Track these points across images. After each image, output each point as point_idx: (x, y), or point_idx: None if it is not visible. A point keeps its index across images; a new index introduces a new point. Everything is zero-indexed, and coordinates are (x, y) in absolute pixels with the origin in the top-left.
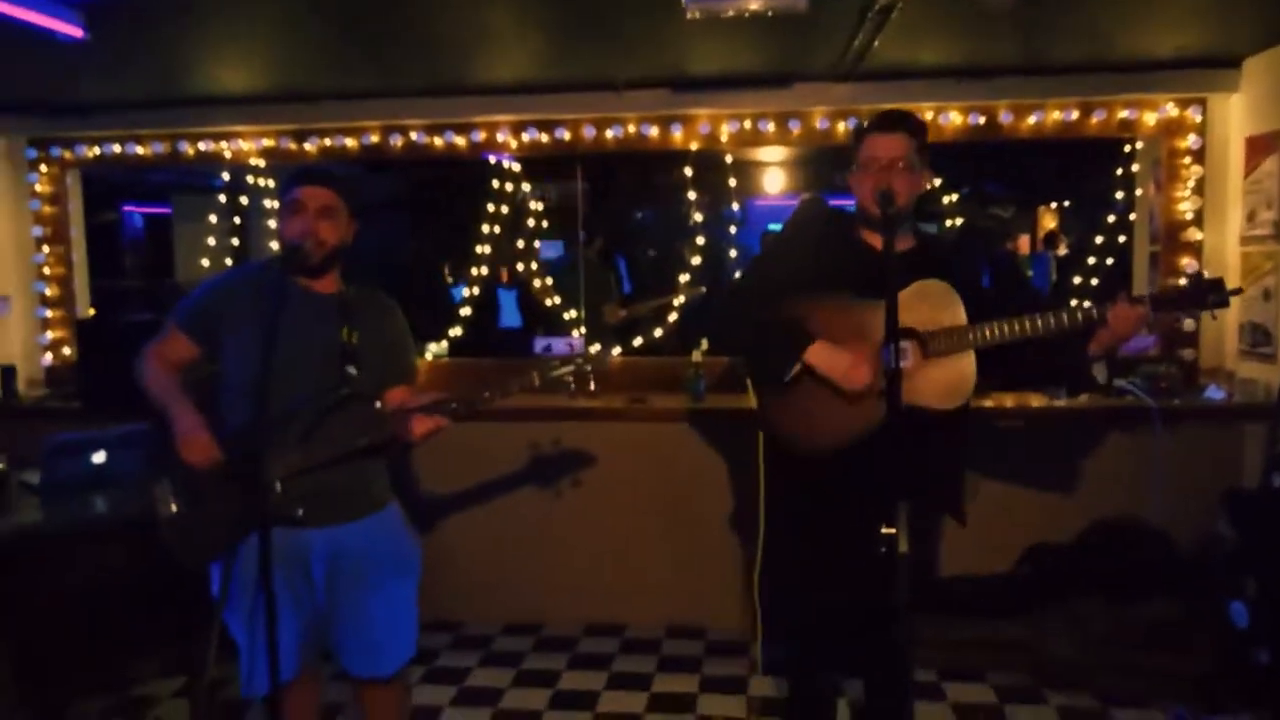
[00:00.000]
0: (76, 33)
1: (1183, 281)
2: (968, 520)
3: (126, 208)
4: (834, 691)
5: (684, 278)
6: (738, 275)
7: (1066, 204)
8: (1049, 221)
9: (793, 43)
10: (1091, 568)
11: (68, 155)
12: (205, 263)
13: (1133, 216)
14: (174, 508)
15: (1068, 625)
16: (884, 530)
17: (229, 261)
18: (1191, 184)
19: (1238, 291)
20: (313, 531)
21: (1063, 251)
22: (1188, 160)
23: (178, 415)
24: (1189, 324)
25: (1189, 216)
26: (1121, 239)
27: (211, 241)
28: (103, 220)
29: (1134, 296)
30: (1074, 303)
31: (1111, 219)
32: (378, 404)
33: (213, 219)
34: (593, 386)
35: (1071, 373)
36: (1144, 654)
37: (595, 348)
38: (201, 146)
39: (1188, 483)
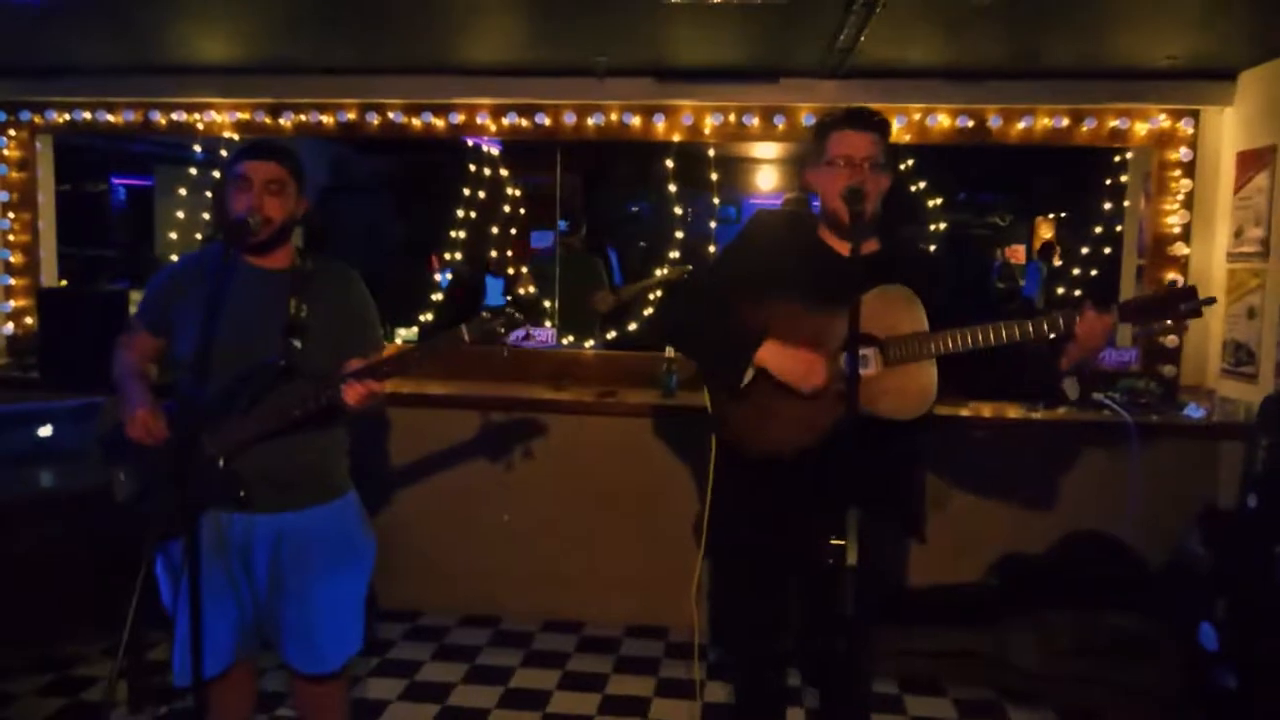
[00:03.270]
0: None
1: (1152, 291)
2: (928, 535)
3: (116, 180)
4: (782, 697)
5: (673, 254)
6: (686, 278)
7: (1064, 215)
8: (1045, 231)
9: (779, 36)
10: (1061, 580)
11: (38, 120)
12: (173, 236)
13: (1119, 229)
14: (128, 489)
15: (1033, 636)
16: (833, 541)
17: (199, 236)
18: (1181, 197)
19: (1211, 301)
20: (258, 516)
21: (1058, 262)
22: (1177, 173)
23: (129, 394)
24: (1172, 340)
25: (1176, 230)
26: (1108, 251)
27: (182, 215)
28: (92, 190)
29: (1100, 305)
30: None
31: (1100, 231)
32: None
33: (183, 192)
34: (528, 337)
35: (1039, 387)
36: (1109, 668)
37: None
38: (175, 117)
39: (1162, 500)
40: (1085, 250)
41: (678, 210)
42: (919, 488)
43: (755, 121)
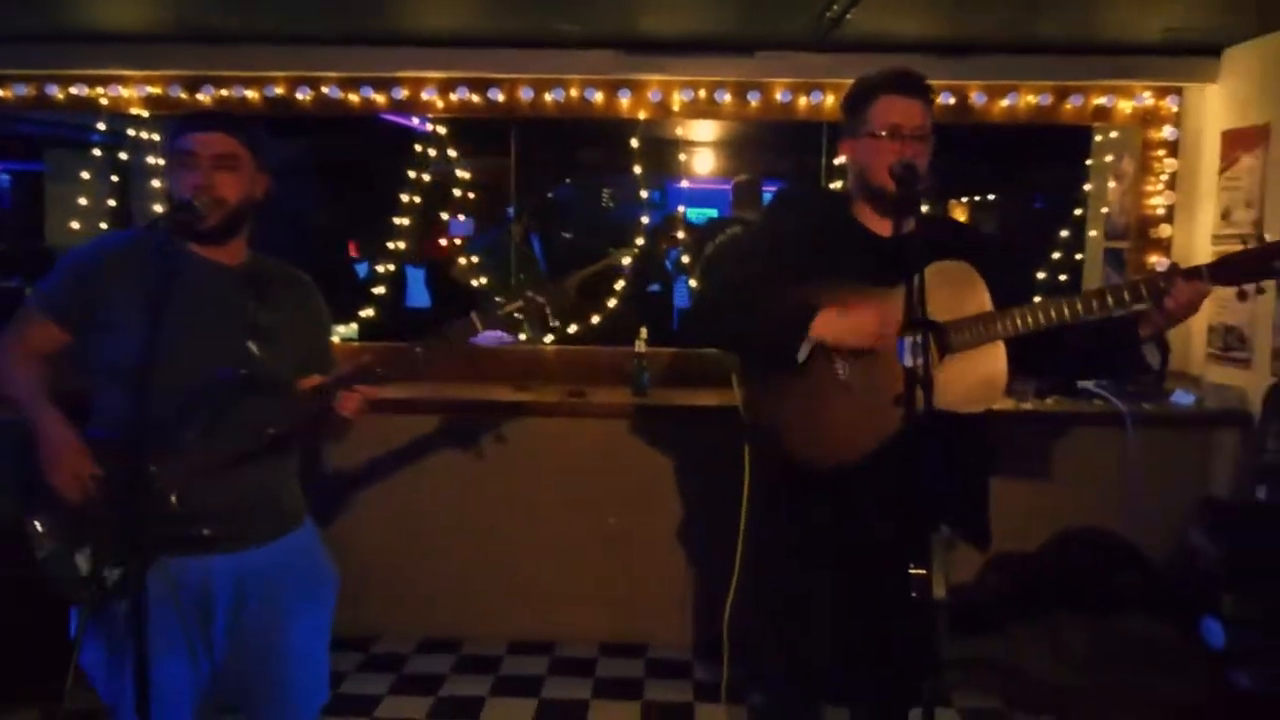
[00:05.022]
0: None
1: (1240, 247)
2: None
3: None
4: None
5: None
6: (704, 273)
7: (979, 199)
8: (958, 215)
9: (761, 3)
10: (1065, 581)
11: None
12: (76, 225)
13: (1079, 210)
14: (49, 542)
15: (1044, 644)
16: (913, 571)
17: (104, 226)
18: (1165, 178)
19: None
20: (215, 558)
21: None
22: (1162, 152)
23: (41, 427)
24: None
25: (1161, 212)
26: (1064, 234)
27: (85, 202)
28: None
29: (1189, 270)
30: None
31: (1044, 212)
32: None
33: (87, 176)
34: (554, 324)
35: (1125, 358)
36: (1127, 676)
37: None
38: (74, 91)
39: (1154, 491)
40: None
41: (607, 195)
42: (986, 490)
43: (728, 98)
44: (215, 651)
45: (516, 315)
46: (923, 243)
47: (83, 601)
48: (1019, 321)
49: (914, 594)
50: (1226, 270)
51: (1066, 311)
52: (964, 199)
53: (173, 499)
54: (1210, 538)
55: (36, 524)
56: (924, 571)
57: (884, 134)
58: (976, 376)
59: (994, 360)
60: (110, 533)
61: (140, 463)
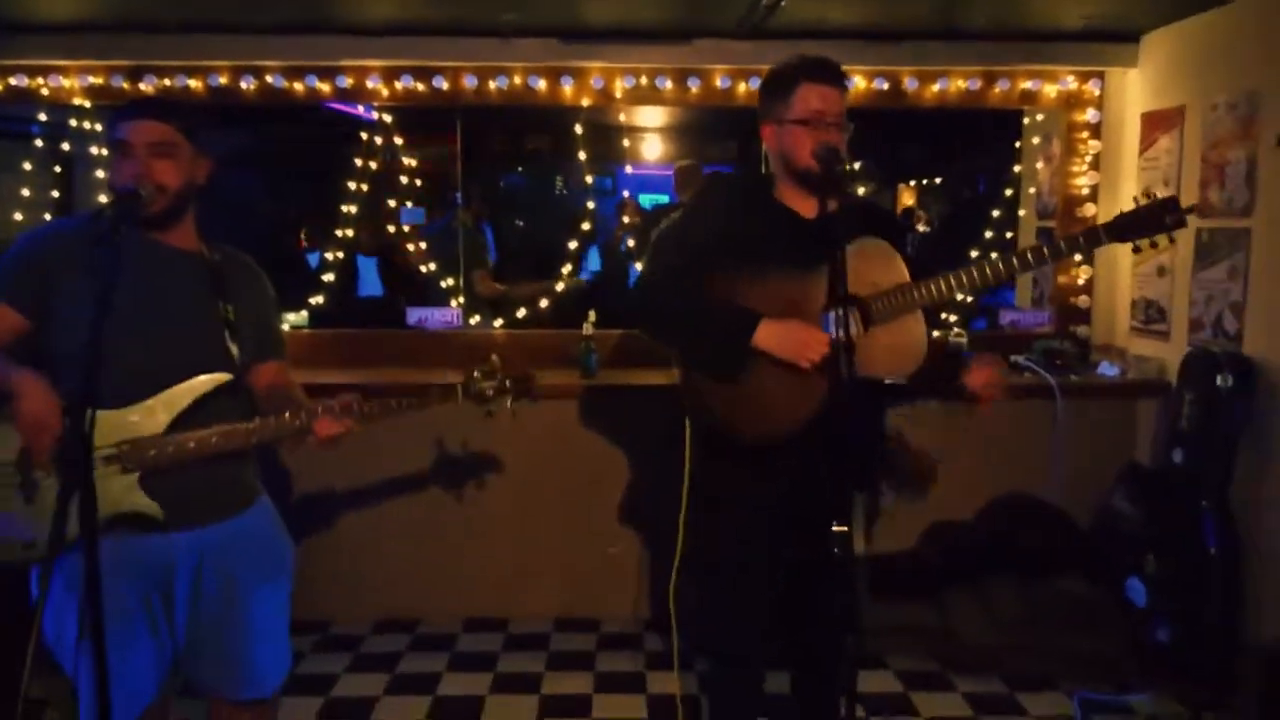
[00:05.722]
0: None
1: (1133, 205)
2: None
3: None
4: (760, 699)
5: (566, 269)
6: (647, 259)
7: (926, 182)
8: (907, 198)
9: None
10: (998, 547)
11: None
12: (19, 217)
13: (1024, 190)
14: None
15: (976, 607)
16: (835, 528)
17: (47, 217)
18: (1089, 158)
19: (1192, 210)
20: (175, 535)
21: (922, 229)
22: (1085, 134)
23: (14, 382)
24: (1083, 300)
25: (1085, 191)
26: (995, 214)
27: (27, 194)
28: None
29: (1088, 231)
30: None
31: (1008, 194)
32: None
33: (28, 167)
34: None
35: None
36: (1054, 634)
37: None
38: (13, 82)
39: (1083, 459)
40: (952, 217)
41: (560, 182)
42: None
43: (669, 85)
44: (177, 631)
45: (489, 392)
46: (842, 222)
47: (41, 562)
48: (932, 290)
49: (835, 549)
50: (1122, 228)
51: (965, 280)
52: (910, 183)
53: (135, 477)
54: (1132, 501)
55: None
56: (845, 529)
57: (807, 120)
58: (903, 343)
59: (917, 327)
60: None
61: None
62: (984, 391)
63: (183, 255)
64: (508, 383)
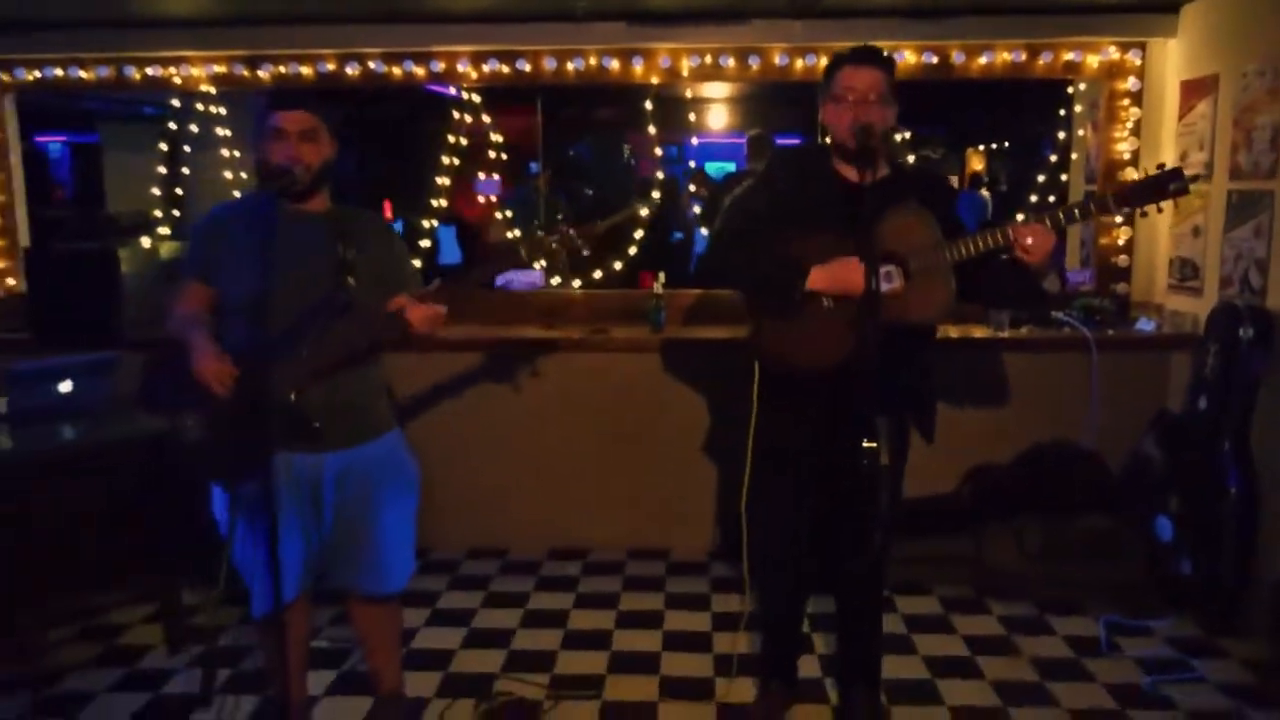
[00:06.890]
0: None
1: (1137, 176)
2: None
3: (39, 137)
4: (802, 607)
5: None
6: (720, 220)
7: (995, 146)
8: (976, 163)
9: None
10: (1030, 487)
11: (5, 78)
12: (156, 191)
13: (1075, 156)
14: (194, 434)
15: (1008, 540)
16: (865, 444)
17: (156, 191)
18: (1130, 125)
19: (1195, 179)
20: (326, 455)
21: (985, 193)
22: (1126, 102)
23: (195, 342)
24: (1123, 259)
25: (1126, 157)
26: (1064, 178)
27: (147, 170)
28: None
29: (1099, 198)
30: None
31: (1053, 159)
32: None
33: (162, 146)
34: (586, 253)
35: (1025, 286)
36: (1078, 565)
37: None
38: (150, 72)
39: (1118, 407)
40: (1041, 179)
41: (627, 152)
42: (932, 396)
43: (731, 63)
44: (323, 529)
45: (554, 245)
46: (883, 191)
47: (226, 480)
48: (959, 250)
49: (865, 461)
50: (1130, 195)
51: (982, 244)
52: (980, 147)
53: (291, 396)
54: (1160, 445)
55: (188, 420)
56: (875, 445)
57: (846, 99)
58: (935, 295)
59: (948, 281)
60: (240, 426)
61: (265, 370)
62: (1030, 248)
63: (314, 216)
64: (570, 232)
